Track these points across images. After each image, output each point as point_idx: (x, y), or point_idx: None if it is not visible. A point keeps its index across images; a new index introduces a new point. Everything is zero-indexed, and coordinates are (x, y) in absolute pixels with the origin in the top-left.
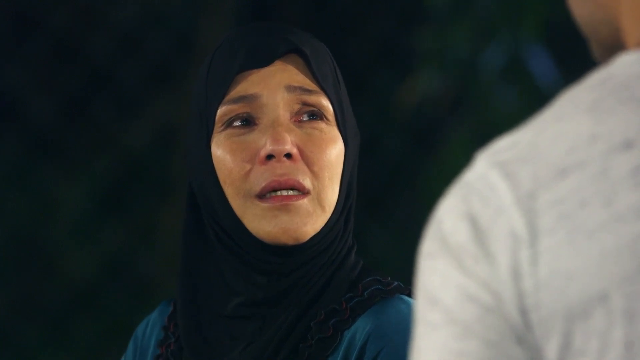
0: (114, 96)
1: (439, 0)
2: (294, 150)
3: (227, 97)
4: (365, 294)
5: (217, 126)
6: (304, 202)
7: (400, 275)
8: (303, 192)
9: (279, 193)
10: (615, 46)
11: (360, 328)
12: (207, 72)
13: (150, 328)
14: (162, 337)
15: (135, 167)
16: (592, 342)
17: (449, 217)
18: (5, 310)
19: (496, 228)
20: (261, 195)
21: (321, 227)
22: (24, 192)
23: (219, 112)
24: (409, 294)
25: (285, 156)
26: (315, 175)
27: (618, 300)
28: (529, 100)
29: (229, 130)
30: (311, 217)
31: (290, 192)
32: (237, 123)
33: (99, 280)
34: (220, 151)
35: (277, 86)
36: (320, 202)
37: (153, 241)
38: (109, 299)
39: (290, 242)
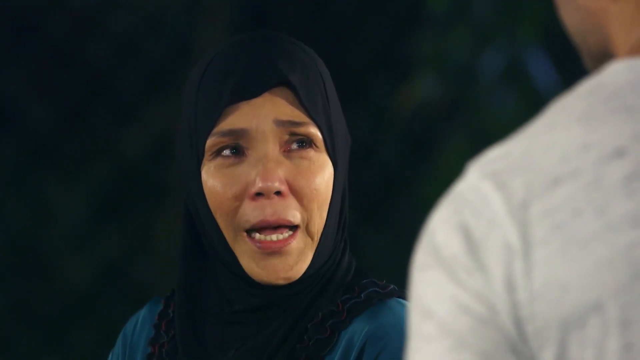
0: (112, 103)
1: (437, 5)
2: (283, 188)
3: (216, 130)
4: (362, 295)
5: (207, 154)
6: (294, 243)
7: (396, 281)
8: (292, 226)
9: (268, 238)
10: (604, 55)
11: (358, 330)
12: (195, 100)
13: (140, 325)
14: (154, 335)
15: (132, 174)
16: (587, 352)
17: (441, 229)
18: (3, 316)
19: (489, 239)
20: (250, 232)
21: (311, 258)
22: (22, 199)
23: (208, 142)
24: (405, 297)
25: (275, 193)
26: (304, 207)
27: (613, 309)
28: (528, 105)
29: (219, 160)
30: (302, 254)
31: (280, 236)
32: (226, 152)
33: (97, 287)
34: (211, 182)
35: (265, 119)
36: (309, 233)
37: (150, 247)
38: (107, 305)
39: (282, 282)
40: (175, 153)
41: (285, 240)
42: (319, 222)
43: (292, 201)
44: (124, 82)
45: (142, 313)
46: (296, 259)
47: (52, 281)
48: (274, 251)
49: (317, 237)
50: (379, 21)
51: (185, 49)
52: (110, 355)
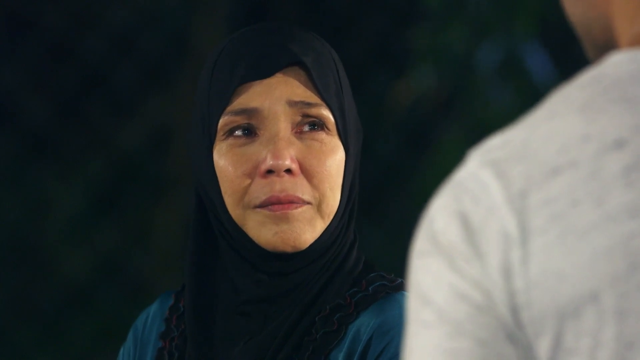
0: (108, 97)
1: None
2: (294, 166)
3: (229, 109)
4: (370, 289)
5: (219, 135)
6: (303, 210)
7: (393, 274)
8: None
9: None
10: (607, 45)
11: (365, 323)
12: (209, 82)
13: (151, 319)
14: (164, 330)
15: (129, 168)
16: (583, 341)
17: (440, 216)
18: (1, 310)
19: (487, 227)
20: (260, 208)
21: (320, 233)
22: (19, 193)
23: (221, 122)
24: None
25: (285, 171)
26: (315, 187)
27: (609, 299)
28: (525, 97)
29: (231, 140)
30: (310, 225)
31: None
32: (238, 132)
33: (93, 280)
34: (223, 161)
35: (278, 100)
36: (320, 212)
37: (147, 241)
38: (103, 298)
39: (289, 249)
40: (172, 146)
41: (296, 205)
42: (332, 203)
43: (302, 180)
44: (120, 77)
45: (153, 307)
46: (304, 228)
47: (49, 275)
48: (282, 214)
49: (329, 218)
50: (376, 15)
51: (182, 43)
52: (121, 349)
